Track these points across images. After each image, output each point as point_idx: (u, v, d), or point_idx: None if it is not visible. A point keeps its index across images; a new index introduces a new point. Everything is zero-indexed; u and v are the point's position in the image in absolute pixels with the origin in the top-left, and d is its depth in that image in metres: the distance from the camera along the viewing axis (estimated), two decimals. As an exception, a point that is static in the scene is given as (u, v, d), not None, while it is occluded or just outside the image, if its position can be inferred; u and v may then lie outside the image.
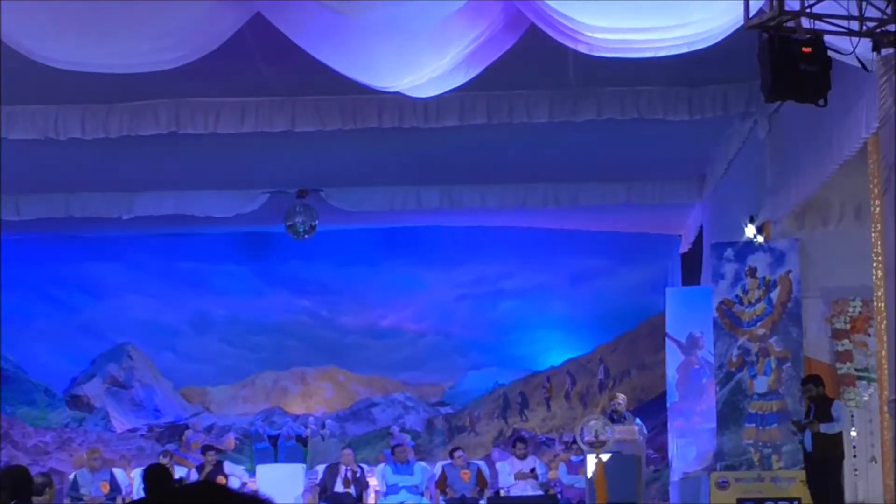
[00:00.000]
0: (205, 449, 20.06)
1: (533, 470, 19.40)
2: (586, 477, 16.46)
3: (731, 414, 15.55)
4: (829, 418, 13.71)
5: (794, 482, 14.62)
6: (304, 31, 11.21)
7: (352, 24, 10.94)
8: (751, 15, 9.17)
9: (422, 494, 19.30)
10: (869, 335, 14.36)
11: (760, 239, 15.59)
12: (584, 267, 22.23)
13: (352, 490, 19.05)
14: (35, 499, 12.50)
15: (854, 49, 9.31)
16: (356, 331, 22.60)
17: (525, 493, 18.98)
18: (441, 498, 19.03)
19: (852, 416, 14.70)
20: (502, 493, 19.18)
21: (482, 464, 19.94)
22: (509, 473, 19.45)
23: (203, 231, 21.65)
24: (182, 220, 19.69)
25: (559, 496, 19.17)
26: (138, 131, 15.14)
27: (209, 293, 22.52)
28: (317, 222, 19.60)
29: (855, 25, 9.13)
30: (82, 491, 18.96)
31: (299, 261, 22.17)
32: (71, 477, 19.38)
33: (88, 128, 15.10)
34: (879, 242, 10.38)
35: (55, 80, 12.59)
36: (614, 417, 17.73)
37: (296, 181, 19.22)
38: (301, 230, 19.61)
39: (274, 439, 21.92)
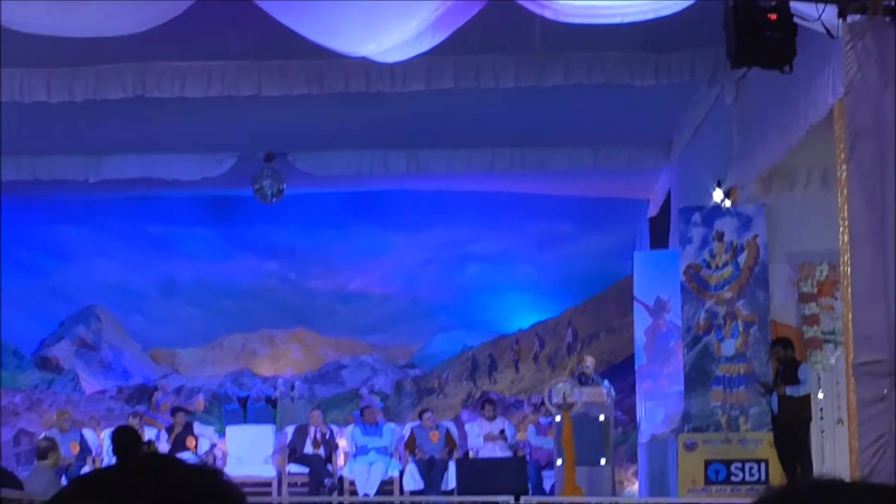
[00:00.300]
0: (174, 410, 20.10)
1: (502, 431, 19.44)
2: (555, 438, 16.51)
3: (698, 377, 15.58)
4: (796, 381, 13.79)
5: (762, 444, 14.69)
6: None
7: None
8: (717, -18, 9.15)
9: (391, 455, 19.32)
10: (836, 299, 14.36)
11: (728, 203, 15.60)
12: (552, 231, 22.17)
13: (321, 451, 19.07)
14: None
15: (820, 16, 9.32)
16: (324, 294, 22.54)
17: (494, 455, 19.03)
18: (410, 459, 19.07)
19: (819, 378, 14.76)
20: (471, 454, 19.23)
21: (451, 425, 19.96)
22: (478, 435, 19.49)
23: (170, 194, 21.49)
24: (149, 183, 19.56)
25: (528, 457, 19.22)
26: (104, 95, 15.02)
27: (177, 257, 22.42)
28: (284, 186, 19.54)
29: (821, -8, 9.12)
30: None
31: (267, 224, 22.06)
32: (41, 437, 19.39)
33: (54, 91, 14.97)
34: (846, 207, 10.39)
35: (19, 44, 12.46)
36: (582, 380, 17.76)
37: (263, 145, 19.14)
38: (269, 194, 19.54)
39: (243, 401, 21.89)
